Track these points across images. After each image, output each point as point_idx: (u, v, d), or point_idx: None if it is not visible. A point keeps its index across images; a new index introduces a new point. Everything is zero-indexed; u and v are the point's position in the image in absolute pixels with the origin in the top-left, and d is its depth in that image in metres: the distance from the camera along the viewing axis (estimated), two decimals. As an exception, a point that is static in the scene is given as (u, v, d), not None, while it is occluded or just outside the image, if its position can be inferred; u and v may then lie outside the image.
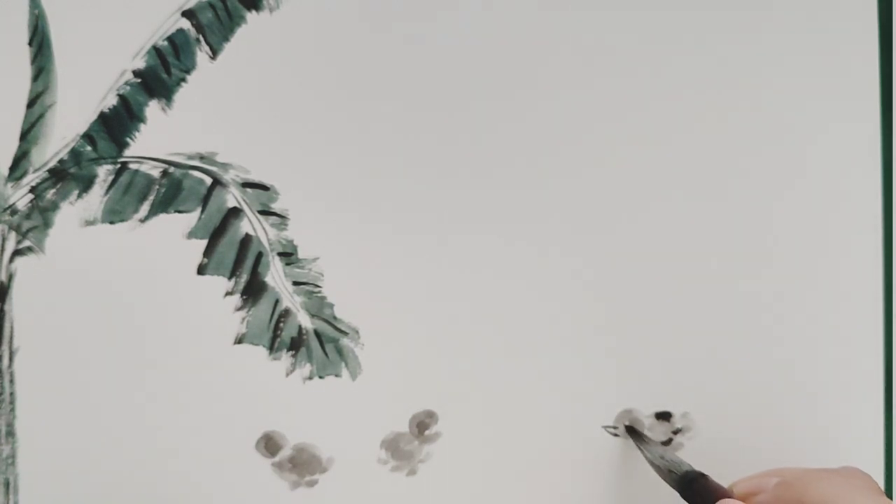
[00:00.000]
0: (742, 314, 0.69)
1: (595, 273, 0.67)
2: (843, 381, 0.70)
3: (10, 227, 0.62)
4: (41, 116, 0.62)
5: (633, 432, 0.67)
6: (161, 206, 0.63)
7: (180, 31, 0.62)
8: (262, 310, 0.64)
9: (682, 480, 0.59)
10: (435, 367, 0.66)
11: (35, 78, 0.61)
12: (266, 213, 0.64)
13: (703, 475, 0.58)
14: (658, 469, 0.63)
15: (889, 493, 0.70)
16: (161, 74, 0.62)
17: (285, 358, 0.65)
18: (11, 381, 0.62)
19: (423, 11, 0.65)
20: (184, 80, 0.63)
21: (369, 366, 0.65)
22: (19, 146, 0.62)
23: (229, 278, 0.64)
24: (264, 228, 0.64)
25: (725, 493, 0.56)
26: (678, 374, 0.69)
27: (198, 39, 0.63)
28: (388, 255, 0.65)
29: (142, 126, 0.62)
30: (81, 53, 0.62)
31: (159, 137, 0.63)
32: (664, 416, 0.69)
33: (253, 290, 0.64)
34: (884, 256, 0.69)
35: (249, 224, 0.64)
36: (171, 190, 0.63)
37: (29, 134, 0.62)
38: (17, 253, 0.62)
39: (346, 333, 0.65)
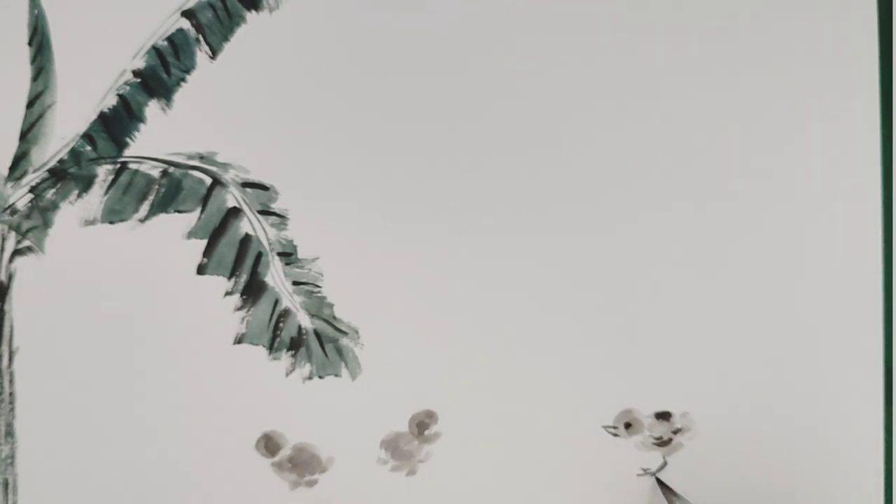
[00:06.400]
0: (742, 315, 0.69)
1: (595, 274, 0.67)
2: (843, 381, 0.70)
3: (10, 227, 0.62)
4: (41, 116, 0.62)
5: (662, 486, 0.68)
6: (161, 206, 0.63)
7: (180, 31, 0.62)
8: (261, 310, 0.64)
9: None
10: (435, 367, 0.66)
11: (35, 78, 0.62)
12: (266, 212, 0.64)
13: None
14: None
15: (889, 493, 0.70)
16: (161, 74, 0.62)
17: (285, 358, 0.65)
18: (11, 381, 0.62)
19: (426, 13, 0.65)
20: (184, 80, 0.63)
21: (369, 366, 0.65)
22: (19, 146, 0.62)
23: (229, 278, 0.64)
24: (264, 228, 0.64)
25: None
26: (678, 374, 0.69)
27: (197, 39, 0.63)
28: (389, 255, 0.65)
29: (142, 126, 0.63)
30: (81, 53, 0.62)
31: (159, 137, 0.63)
32: (664, 416, 0.69)
33: (253, 290, 0.64)
34: (884, 256, 0.69)
35: (249, 224, 0.64)
36: (170, 190, 0.63)
37: (29, 134, 0.62)
38: (17, 253, 0.62)
39: (345, 333, 0.65)
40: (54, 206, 0.62)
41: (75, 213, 0.62)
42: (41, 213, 0.62)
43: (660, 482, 0.68)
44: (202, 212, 0.63)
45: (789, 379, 0.69)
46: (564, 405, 0.67)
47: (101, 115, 0.62)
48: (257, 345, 0.64)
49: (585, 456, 0.68)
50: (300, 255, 0.64)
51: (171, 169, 0.63)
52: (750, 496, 0.69)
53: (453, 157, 0.65)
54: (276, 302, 0.64)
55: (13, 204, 0.62)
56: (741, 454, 0.69)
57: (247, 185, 0.64)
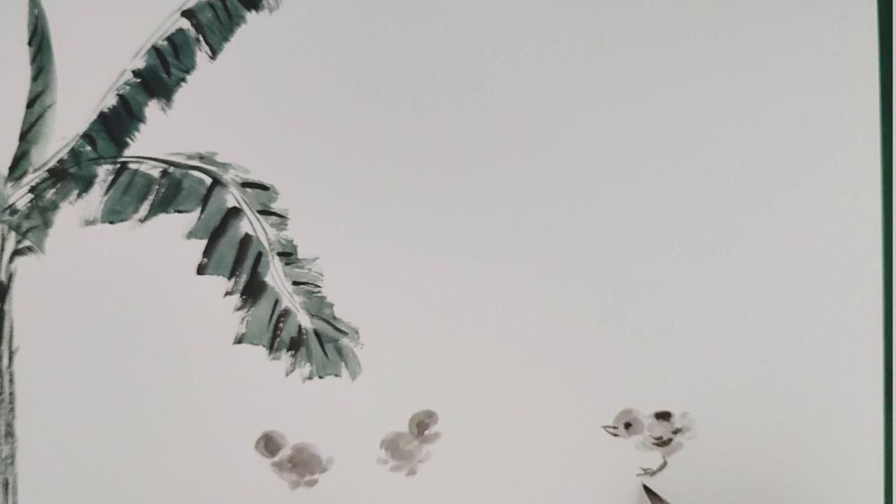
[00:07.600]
0: (742, 315, 0.69)
1: (595, 274, 0.67)
2: (843, 381, 0.70)
3: (10, 227, 0.62)
4: (41, 116, 0.62)
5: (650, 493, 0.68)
6: (161, 206, 0.63)
7: (180, 31, 0.62)
8: (261, 310, 0.64)
9: None
10: (435, 367, 0.66)
11: (35, 78, 0.62)
12: (266, 212, 0.64)
13: None
14: None
15: (889, 493, 0.70)
16: (161, 74, 0.62)
17: (285, 358, 0.65)
18: (11, 381, 0.62)
19: (425, 14, 0.65)
20: (184, 80, 0.63)
21: (369, 366, 0.65)
22: (19, 146, 0.62)
23: (229, 278, 0.64)
24: (264, 228, 0.64)
25: None
26: (678, 374, 0.69)
27: (198, 39, 0.63)
28: (388, 255, 0.65)
29: (142, 126, 0.63)
30: (81, 53, 0.62)
31: (159, 137, 0.63)
32: (664, 416, 0.69)
33: (253, 290, 0.64)
34: (884, 256, 0.69)
35: (249, 224, 0.64)
36: (170, 190, 0.63)
37: (29, 134, 0.62)
38: (17, 253, 0.62)
39: (345, 333, 0.65)
40: (54, 206, 0.62)
41: (75, 213, 0.62)
42: (41, 213, 0.62)
43: (647, 489, 0.68)
44: (202, 212, 0.63)
45: (789, 379, 0.69)
46: (564, 405, 0.67)
47: (101, 115, 0.62)
48: (257, 345, 0.64)
49: (585, 456, 0.68)
50: (300, 255, 0.64)
51: (171, 169, 0.63)
52: (750, 496, 0.69)
53: (454, 157, 0.65)
54: (276, 302, 0.64)
55: (13, 204, 0.62)
56: (741, 454, 0.69)
57: (247, 185, 0.64)
